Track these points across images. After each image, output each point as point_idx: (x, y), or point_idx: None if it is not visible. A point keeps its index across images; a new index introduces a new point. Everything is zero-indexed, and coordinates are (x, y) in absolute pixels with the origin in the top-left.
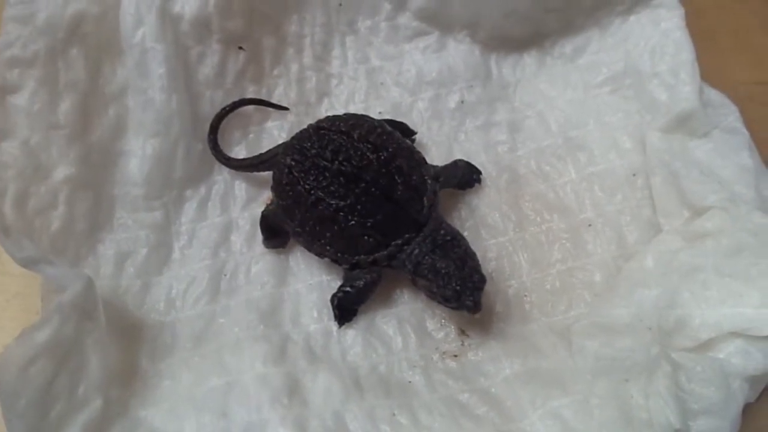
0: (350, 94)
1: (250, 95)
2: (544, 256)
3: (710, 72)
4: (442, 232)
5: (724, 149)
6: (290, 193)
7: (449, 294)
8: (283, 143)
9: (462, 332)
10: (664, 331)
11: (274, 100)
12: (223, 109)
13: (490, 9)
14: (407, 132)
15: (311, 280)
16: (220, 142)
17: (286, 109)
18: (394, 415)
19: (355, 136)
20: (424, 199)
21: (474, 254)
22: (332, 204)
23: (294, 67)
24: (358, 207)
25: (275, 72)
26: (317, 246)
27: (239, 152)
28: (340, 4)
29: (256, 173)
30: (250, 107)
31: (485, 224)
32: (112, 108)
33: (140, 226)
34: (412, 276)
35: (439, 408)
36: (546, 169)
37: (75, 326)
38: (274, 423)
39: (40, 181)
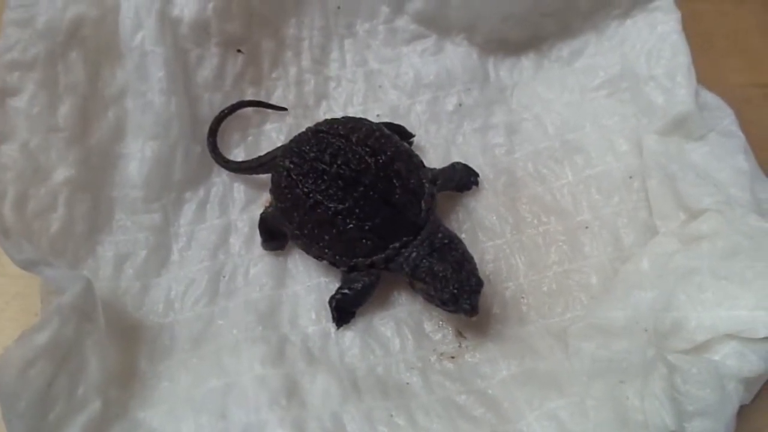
0: (348, 97)
1: (248, 98)
2: (541, 258)
3: (706, 75)
4: (440, 235)
5: (720, 152)
6: (289, 195)
7: (447, 297)
8: (282, 146)
9: (459, 334)
10: (659, 333)
11: (272, 103)
12: (222, 111)
13: (488, 12)
14: (405, 135)
15: (309, 282)
16: (219, 144)
17: (284, 109)
18: (391, 416)
19: (354, 139)
20: (422, 202)
21: (471, 257)
22: (331, 207)
23: (292, 70)
24: (357, 210)
25: (274, 75)
26: (315, 248)
27: (238, 155)
28: (339, 8)
29: (254, 176)
30: (249, 110)
31: (482, 226)
32: (112, 111)
33: (139, 228)
34: (410, 279)
35: (437, 409)
36: (543, 171)
37: (74, 328)
38: (273, 424)
39: (39, 183)
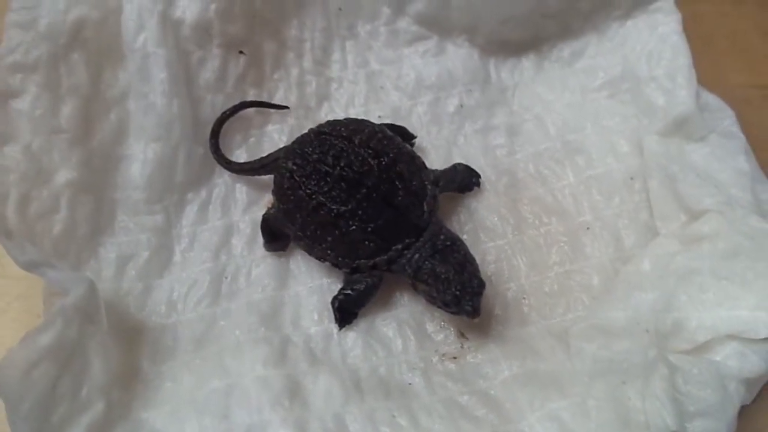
0: (350, 98)
1: (250, 99)
2: (542, 259)
3: (707, 76)
4: (442, 237)
5: (720, 153)
6: (291, 197)
7: (449, 299)
8: (284, 147)
9: (461, 335)
10: (661, 333)
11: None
12: (224, 112)
13: (489, 14)
14: (407, 136)
15: (312, 283)
16: (221, 145)
17: (286, 108)
18: (394, 417)
19: (356, 141)
20: (424, 204)
21: (473, 259)
22: (333, 209)
23: (294, 71)
24: (359, 212)
25: (275, 76)
26: (318, 250)
27: (240, 156)
28: (340, 9)
29: (256, 177)
30: (251, 111)
31: (484, 227)
32: (114, 112)
33: (141, 229)
34: (412, 281)
35: (439, 410)
36: (544, 172)
37: (78, 329)
38: (275, 425)
39: (42, 185)
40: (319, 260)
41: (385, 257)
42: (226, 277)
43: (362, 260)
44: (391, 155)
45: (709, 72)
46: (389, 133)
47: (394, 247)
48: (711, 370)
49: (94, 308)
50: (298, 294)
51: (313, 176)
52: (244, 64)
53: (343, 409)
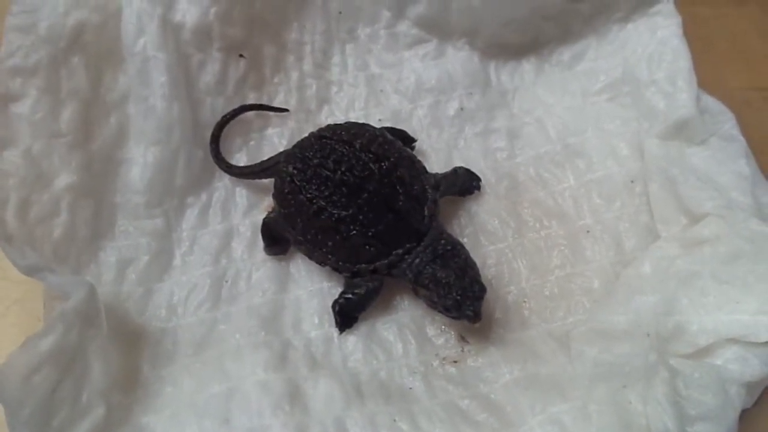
0: (350, 102)
1: (250, 102)
2: (542, 262)
3: (707, 79)
4: (443, 241)
5: (721, 156)
6: (292, 201)
7: (450, 304)
8: (285, 151)
9: (462, 338)
10: (661, 337)
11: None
12: (224, 116)
13: (489, 17)
14: (407, 139)
15: (312, 287)
16: (221, 149)
17: (286, 110)
18: (394, 421)
19: (357, 145)
20: (425, 208)
21: (474, 264)
22: (334, 214)
23: (294, 75)
24: (360, 217)
25: (276, 79)
26: (318, 254)
27: (240, 159)
28: (340, 12)
29: (257, 180)
30: (251, 114)
31: (484, 231)
32: (114, 116)
33: (141, 233)
34: (413, 285)
35: (439, 414)
36: (545, 175)
37: (78, 334)
38: (276, 429)
39: (42, 189)
40: (320, 264)
41: (386, 262)
42: (227, 281)
43: (363, 265)
44: (391, 159)
45: (709, 74)
46: (390, 137)
47: (394, 252)
48: (712, 374)
49: (94, 312)
50: (299, 298)
51: (314, 181)
52: (244, 68)
53: (343, 413)
